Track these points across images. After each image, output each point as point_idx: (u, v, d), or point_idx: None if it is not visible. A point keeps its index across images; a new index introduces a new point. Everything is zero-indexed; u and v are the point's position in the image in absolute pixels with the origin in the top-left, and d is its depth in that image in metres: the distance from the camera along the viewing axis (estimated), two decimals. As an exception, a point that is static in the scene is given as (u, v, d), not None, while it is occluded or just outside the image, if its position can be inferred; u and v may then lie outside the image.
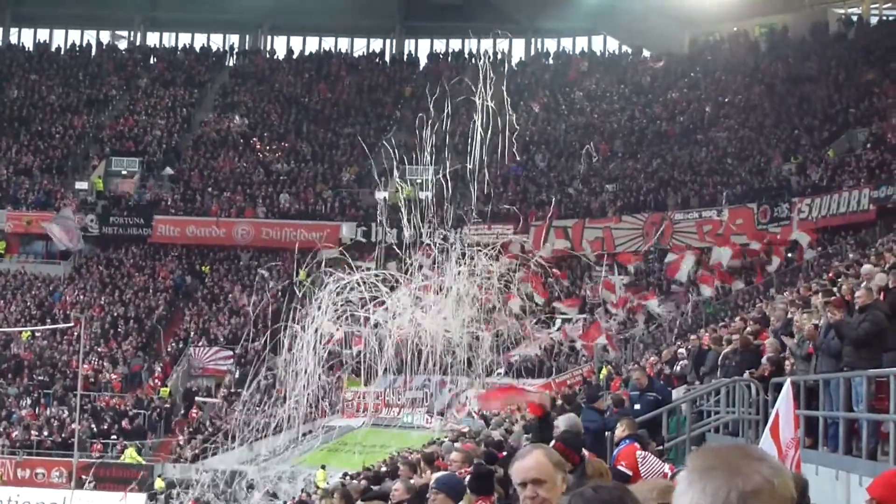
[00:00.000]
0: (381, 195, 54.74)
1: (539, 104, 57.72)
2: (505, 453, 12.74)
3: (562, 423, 9.95)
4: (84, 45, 64.73)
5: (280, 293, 50.29)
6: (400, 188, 49.62)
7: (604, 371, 32.16)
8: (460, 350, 32.92)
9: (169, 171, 55.74)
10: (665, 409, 14.68)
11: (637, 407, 14.89)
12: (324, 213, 53.19)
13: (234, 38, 65.76)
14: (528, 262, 40.24)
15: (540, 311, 39.31)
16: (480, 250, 35.44)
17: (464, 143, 37.59)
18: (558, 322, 39.70)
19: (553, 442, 7.94)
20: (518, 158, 49.94)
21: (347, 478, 27.43)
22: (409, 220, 47.94)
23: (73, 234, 51.53)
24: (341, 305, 31.36)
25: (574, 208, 50.27)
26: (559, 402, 17.80)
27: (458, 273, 33.08)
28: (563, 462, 4.12)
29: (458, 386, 38.47)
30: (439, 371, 36.41)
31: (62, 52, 64.25)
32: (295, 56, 64.66)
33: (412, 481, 12.18)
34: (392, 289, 32.36)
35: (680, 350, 24.24)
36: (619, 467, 9.65)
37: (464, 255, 34.62)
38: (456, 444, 15.74)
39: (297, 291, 43.15)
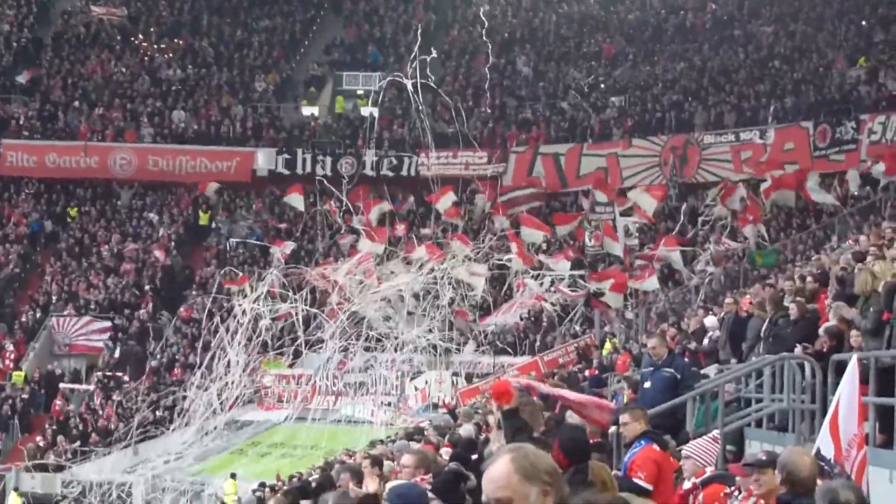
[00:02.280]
0: (308, 111, 54.52)
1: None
2: (476, 455, 12.80)
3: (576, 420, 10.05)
4: None
5: (173, 243, 50.10)
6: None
7: (607, 346, 32.42)
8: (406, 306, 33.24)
9: (25, 76, 55.10)
10: (690, 394, 14.72)
11: (647, 385, 14.92)
12: (232, 137, 52.86)
13: None
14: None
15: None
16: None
17: (425, 41, 37.47)
18: (546, 282, 39.95)
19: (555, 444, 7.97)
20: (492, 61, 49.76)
21: (266, 490, 27.50)
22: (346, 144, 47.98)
23: None
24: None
25: (569, 129, 50.21)
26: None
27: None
28: (542, 470, 4.16)
29: (414, 366, 38.57)
30: (390, 347, 36.46)
31: None
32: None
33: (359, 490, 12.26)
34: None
35: (709, 318, 24.37)
36: (637, 480, 9.71)
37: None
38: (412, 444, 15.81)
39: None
